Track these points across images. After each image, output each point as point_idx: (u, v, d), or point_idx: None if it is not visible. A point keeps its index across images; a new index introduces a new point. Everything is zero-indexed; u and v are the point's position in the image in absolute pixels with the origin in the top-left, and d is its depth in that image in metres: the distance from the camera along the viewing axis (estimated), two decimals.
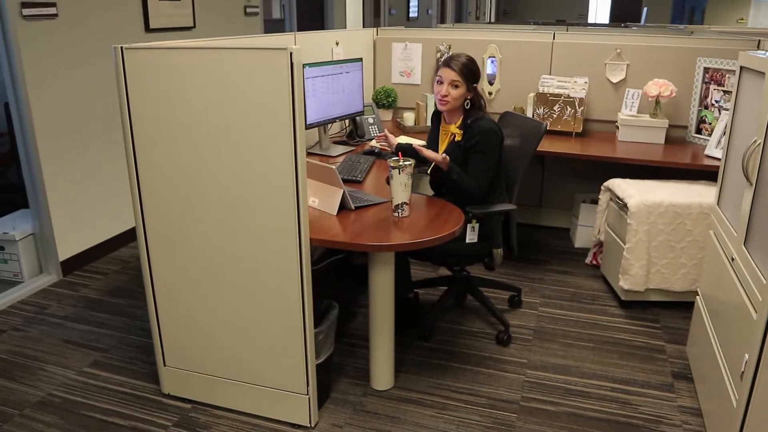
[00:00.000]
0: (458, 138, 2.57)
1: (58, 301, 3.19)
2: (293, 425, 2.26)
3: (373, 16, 8.22)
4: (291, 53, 1.82)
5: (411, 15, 10.08)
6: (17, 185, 4.36)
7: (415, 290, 3.01)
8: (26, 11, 3.05)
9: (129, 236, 3.90)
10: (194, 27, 4.31)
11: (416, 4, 10.30)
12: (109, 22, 3.59)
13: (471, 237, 2.53)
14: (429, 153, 2.51)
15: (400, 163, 2.22)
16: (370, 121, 3.62)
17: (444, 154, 2.50)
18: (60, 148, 3.36)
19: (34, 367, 2.61)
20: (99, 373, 2.57)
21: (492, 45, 3.89)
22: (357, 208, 2.36)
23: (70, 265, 3.48)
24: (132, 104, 2.07)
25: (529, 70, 3.85)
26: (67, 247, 3.47)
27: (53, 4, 3.21)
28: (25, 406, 2.36)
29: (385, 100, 4.02)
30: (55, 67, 3.28)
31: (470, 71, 2.51)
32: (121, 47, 2.01)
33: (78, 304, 3.15)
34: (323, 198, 2.35)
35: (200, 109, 1.99)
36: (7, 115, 4.06)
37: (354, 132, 3.56)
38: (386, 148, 2.78)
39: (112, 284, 3.37)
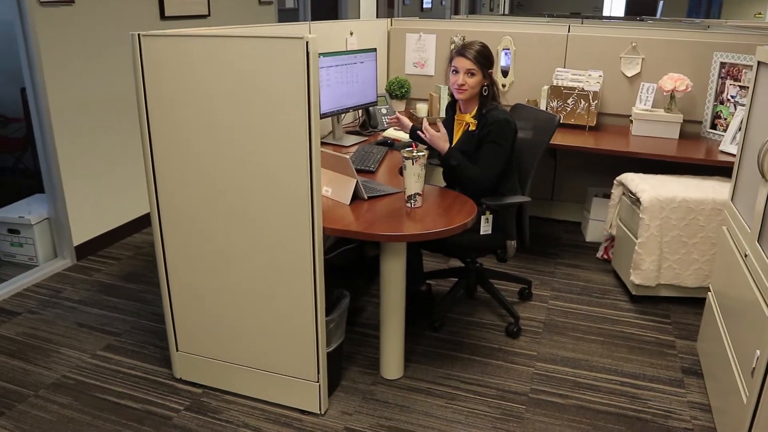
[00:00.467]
0: (472, 128, 2.57)
1: (72, 285, 3.23)
2: (303, 412, 2.28)
3: (387, 7, 8.20)
4: (307, 42, 1.83)
5: (425, 6, 10.03)
6: (33, 170, 4.41)
7: (428, 282, 3.02)
8: None
9: (142, 222, 3.94)
10: (209, 15, 4.32)
11: None
12: (125, 9, 3.61)
13: (485, 228, 2.53)
14: (432, 134, 2.49)
15: (414, 154, 2.22)
16: (384, 111, 3.62)
17: (444, 131, 2.49)
18: (75, 134, 3.38)
19: (49, 349, 2.65)
20: (112, 357, 2.60)
21: (506, 37, 3.87)
22: (370, 198, 2.36)
23: (84, 250, 3.52)
24: (148, 91, 2.08)
25: (543, 63, 3.83)
26: (82, 232, 3.50)
27: None
28: (40, 387, 2.40)
29: (398, 90, 4.01)
30: (71, 53, 3.30)
31: (485, 58, 2.50)
32: (139, 34, 2.02)
33: (92, 289, 3.19)
34: (336, 187, 2.36)
35: (216, 97, 2.00)
36: (24, 101, 4.10)
37: (367, 122, 3.56)
38: (400, 130, 2.81)
39: (125, 269, 3.41)
